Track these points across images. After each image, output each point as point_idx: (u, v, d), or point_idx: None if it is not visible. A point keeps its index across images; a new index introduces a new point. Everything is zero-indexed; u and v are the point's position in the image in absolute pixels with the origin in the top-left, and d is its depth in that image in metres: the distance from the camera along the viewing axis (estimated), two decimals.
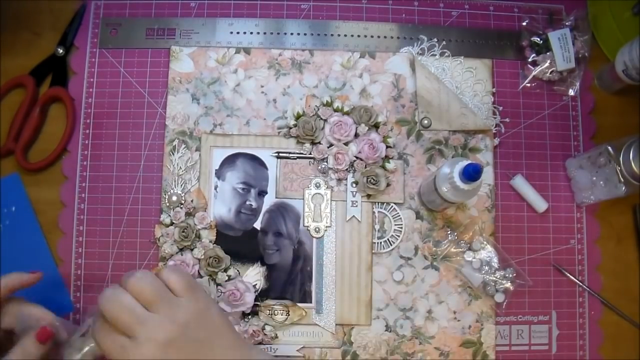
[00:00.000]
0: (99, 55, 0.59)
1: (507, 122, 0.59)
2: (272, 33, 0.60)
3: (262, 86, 0.58)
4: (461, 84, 0.59)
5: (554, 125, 0.60)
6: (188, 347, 0.39)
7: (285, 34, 0.60)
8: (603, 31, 0.62)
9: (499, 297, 0.56)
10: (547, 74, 0.60)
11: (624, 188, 0.52)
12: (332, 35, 0.60)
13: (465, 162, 0.46)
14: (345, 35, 0.60)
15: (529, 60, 0.60)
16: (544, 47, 0.60)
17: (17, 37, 0.60)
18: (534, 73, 0.60)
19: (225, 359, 0.40)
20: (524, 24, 0.61)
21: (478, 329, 0.56)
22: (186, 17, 0.60)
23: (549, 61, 0.59)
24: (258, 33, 0.60)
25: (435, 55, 0.60)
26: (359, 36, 0.60)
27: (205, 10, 0.60)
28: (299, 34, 0.60)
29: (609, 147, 0.53)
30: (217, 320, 0.42)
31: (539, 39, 0.60)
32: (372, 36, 0.60)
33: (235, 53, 0.59)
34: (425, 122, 0.58)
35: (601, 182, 0.55)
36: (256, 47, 0.59)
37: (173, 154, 0.57)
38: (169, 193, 0.56)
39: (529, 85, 0.60)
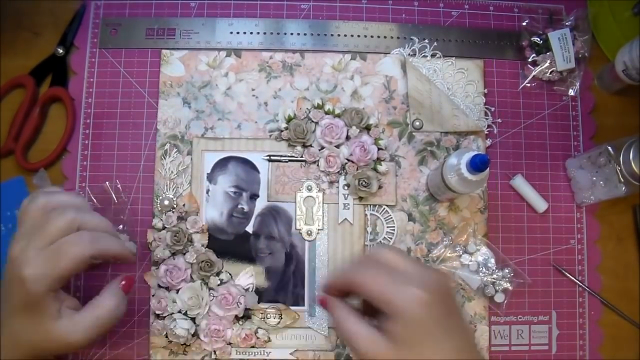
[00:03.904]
0: (99, 55, 0.59)
1: (502, 123, 0.59)
2: (272, 33, 0.60)
3: (253, 89, 0.58)
4: (453, 85, 0.59)
5: (554, 125, 0.60)
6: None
7: (285, 34, 0.60)
8: (603, 31, 0.62)
9: (499, 298, 0.55)
10: (547, 74, 0.60)
11: (624, 188, 0.52)
12: (332, 35, 0.60)
13: (472, 153, 0.47)
14: (345, 35, 0.60)
15: (529, 60, 0.60)
16: (544, 47, 0.60)
17: (17, 37, 0.60)
18: (534, 73, 0.60)
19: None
20: (524, 24, 0.61)
21: (471, 330, 0.56)
22: (186, 17, 0.60)
23: (549, 61, 0.59)
24: (258, 33, 0.60)
25: (427, 56, 0.60)
26: (359, 36, 0.60)
27: (205, 10, 0.61)
28: (298, 34, 0.60)
29: (609, 147, 0.53)
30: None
31: (539, 39, 0.60)
32: (372, 36, 0.60)
33: (226, 56, 0.59)
34: (417, 123, 0.58)
35: (601, 182, 0.55)
36: (251, 48, 0.59)
37: (165, 158, 0.57)
38: (160, 197, 0.56)
39: (529, 85, 0.60)
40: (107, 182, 0.56)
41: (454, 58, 0.60)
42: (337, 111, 0.57)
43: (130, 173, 0.57)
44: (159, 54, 0.59)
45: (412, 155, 0.58)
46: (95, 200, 0.56)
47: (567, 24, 0.60)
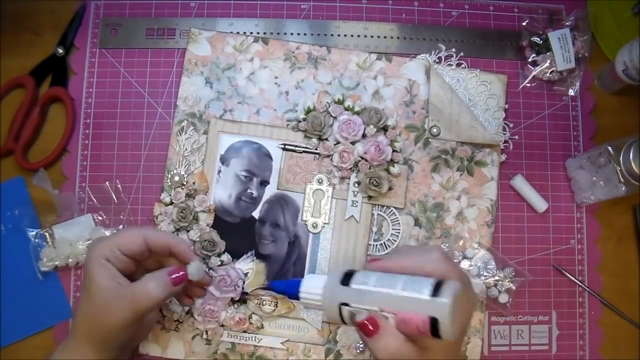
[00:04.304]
0: (99, 55, 0.59)
1: (514, 137, 0.59)
2: (272, 33, 0.60)
3: (276, 77, 0.58)
4: (474, 97, 0.59)
5: (554, 125, 0.60)
6: None
7: (285, 34, 0.60)
8: (603, 31, 0.62)
9: (503, 298, 0.55)
10: (547, 74, 0.60)
11: (624, 188, 0.52)
12: (332, 35, 0.60)
13: None
14: (345, 35, 0.60)
15: (529, 60, 0.60)
16: (544, 47, 0.60)
17: (17, 37, 0.60)
18: (534, 73, 0.60)
19: None
20: (524, 24, 0.61)
21: (464, 342, 0.55)
22: (186, 17, 0.60)
23: (549, 61, 0.59)
24: (258, 33, 0.60)
25: (452, 65, 0.60)
26: (359, 36, 0.60)
27: (205, 10, 0.60)
28: (299, 34, 0.60)
29: (609, 147, 0.53)
30: None
31: (539, 39, 0.60)
32: (372, 36, 0.60)
33: (253, 42, 0.59)
34: (435, 130, 0.58)
35: (601, 182, 0.55)
36: (274, 37, 0.59)
37: (180, 135, 0.57)
38: (172, 173, 0.56)
39: (529, 85, 0.60)
40: (107, 182, 0.56)
41: (478, 70, 0.59)
42: (356, 108, 0.57)
43: (130, 173, 0.57)
44: (159, 54, 0.59)
45: (426, 161, 0.58)
46: (95, 200, 0.56)
47: (567, 24, 0.60)
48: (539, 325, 0.57)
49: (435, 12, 0.62)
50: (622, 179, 0.52)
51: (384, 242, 0.56)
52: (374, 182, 0.55)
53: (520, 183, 0.58)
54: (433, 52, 0.60)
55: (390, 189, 0.56)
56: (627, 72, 0.56)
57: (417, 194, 0.57)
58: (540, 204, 0.58)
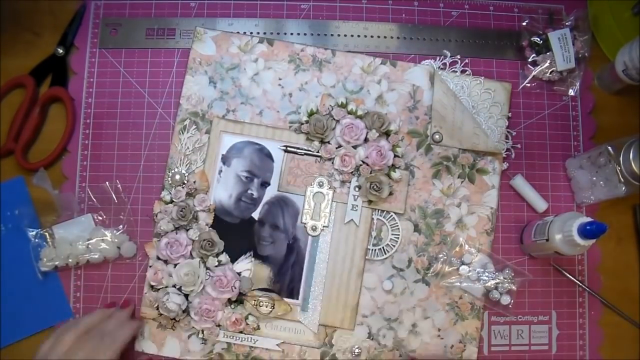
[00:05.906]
0: (99, 55, 0.59)
1: (517, 145, 0.59)
2: (272, 33, 0.60)
3: (280, 79, 0.58)
4: (478, 104, 0.59)
5: (554, 125, 0.60)
6: None
7: (285, 34, 0.60)
8: (603, 31, 0.62)
9: (505, 300, 0.55)
10: (547, 74, 0.60)
11: (624, 188, 0.52)
12: (332, 35, 0.60)
13: (585, 220, 0.48)
14: (345, 35, 0.60)
15: (529, 60, 0.60)
16: (544, 47, 0.60)
17: (17, 37, 0.60)
18: (534, 73, 0.60)
19: None
20: (524, 24, 0.61)
21: (460, 349, 0.55)
22: (186, 17, 0.60)
23: (549, 61, 0.59)
24: (258, 33, 0.60)
25: (456, 71, 0.59)
26: (359, 36, 0.60)
27: (205, 10, 0.61)
28: (299, 34, 0.60)
29: (609, 147, 0.53)
30: None
31: (539, 39, 0.60)
32: (372, 36, 0.60)
33: (258, 42, 0.59)
34: (437, 136, 0.58)
35: (601, 182, 0.55)
36: (274, 37, 0.59)
37: (182, 134, 0.57)
38: (172, 171, 0.56)
39: (529, 85, 0.60)
40: (107, 182, 0.57)
41: (482, 77, 0.59)
42: (359, 112, 0.57)
43: (130, 173, 0.57)
44: (159, 54, 0.59)
45: (427, 167, 0.57)
46: (95, 200, 0.56)
47: (567, 24, 0.60)
48: (539, 325, 0.57)
49: (435, 12, 0.62)
50: (622, 179, 0.52)
51: (383, 247, 0.56)
52: (375, 187, 0.55)
53: (520, 183, 0.58)
54: (438, 58, 0.60)
55: (390, 194, 0.56)
56: (627, 72, 0.56)
57: (418, 199, 0.57)
58: (540, 204, 0.58)
